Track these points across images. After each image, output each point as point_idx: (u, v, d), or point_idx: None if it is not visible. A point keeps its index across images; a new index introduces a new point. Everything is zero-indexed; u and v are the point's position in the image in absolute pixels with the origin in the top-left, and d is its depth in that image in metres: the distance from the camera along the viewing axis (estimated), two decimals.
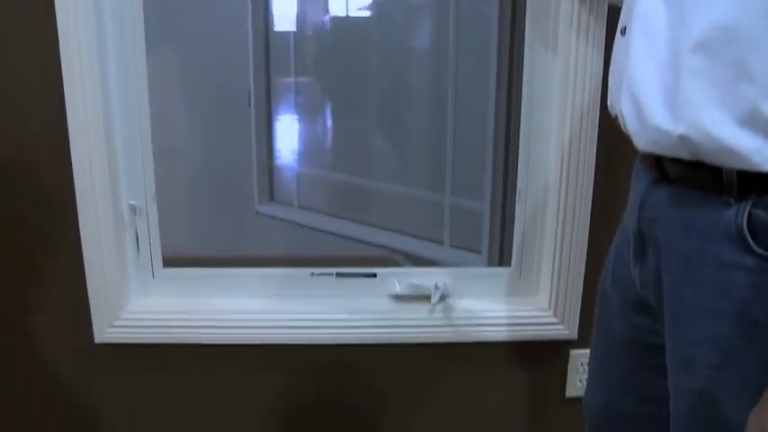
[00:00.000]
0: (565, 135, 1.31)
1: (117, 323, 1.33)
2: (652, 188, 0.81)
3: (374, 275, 1.43)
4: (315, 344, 1.38)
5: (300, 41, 1.68)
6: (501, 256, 1.51)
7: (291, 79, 1.68)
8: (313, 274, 1.41)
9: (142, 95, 1.28)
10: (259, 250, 1.74)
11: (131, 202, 1.32)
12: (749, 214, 0.67)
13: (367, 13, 1.66)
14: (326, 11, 1.71)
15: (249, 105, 1.68)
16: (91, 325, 1.32)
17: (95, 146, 1.22)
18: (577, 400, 1.47)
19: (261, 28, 1.65)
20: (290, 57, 1.66)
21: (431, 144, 1.58)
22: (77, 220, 1.26)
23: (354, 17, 1.68)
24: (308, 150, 1.73)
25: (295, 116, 1.71)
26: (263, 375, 1.42)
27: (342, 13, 1.70)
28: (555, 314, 1.41)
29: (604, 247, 1.35)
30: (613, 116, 0.86)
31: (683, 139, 0.69)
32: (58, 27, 1.17)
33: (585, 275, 1.39)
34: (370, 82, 1.65)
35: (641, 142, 0.76)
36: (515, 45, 1.37)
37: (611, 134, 1.32)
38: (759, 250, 0.67)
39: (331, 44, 1.70)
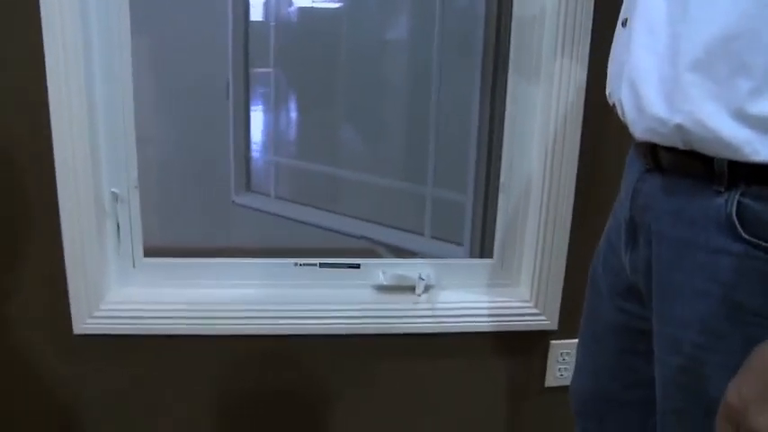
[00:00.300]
0: (549, 128, 1.36)
1: (97, 314, 1.32)
2: (645, 176, 0.85)
3: (358, 266, 1.47)
4: (299, 334, 1.40)
5: (277, 31, 1.70)
6: (482, 248, 1.57)
7: (270, 69, 1.71)
8: (297, 264, 1.44)
9: (126, 82, 1.29)
10: (236, 241, 1.77)
11: (113, 189, 1.34)
12: (738, 203, 0.72)
13: (347, 3, 1.70)
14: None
15: (227, 96, 1.70)
16: (70, 316, 1.33)
17: (78, 132, 1.21)
18: (557, 389, 1.54)
19: (241, 17, 1.68)
20: (270, 47, 1.69)
21: (412, 135, 1.62)
22: (58, 208, 1.26)
23: (333, 7, 1.72)
24: (286, 141, 1.76)
25: (273, 106, 1.74)
26: (247, 366, 1.43)
27: (320, 3, 1.74)
28: (536, 305, 1.46)
29: (586, 239, 1.42)
30: (611, 104, 0.90)
31: (678, 128, 0.74)
32: (42, 11, 1.16)
33: (566, 267, 1.45)
34: (350, 72, 1.68)
35: (638, 130, 0.81)
36: (501, 37, 1.42)
37: (594, 128, 1.37)
38: (746, 236, 0.72)
39: (309, 34, 1.73)
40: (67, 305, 1.32)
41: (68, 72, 1.19)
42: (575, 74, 1.33)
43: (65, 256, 1.29)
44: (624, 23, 0.86)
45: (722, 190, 0.74)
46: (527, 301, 1.47)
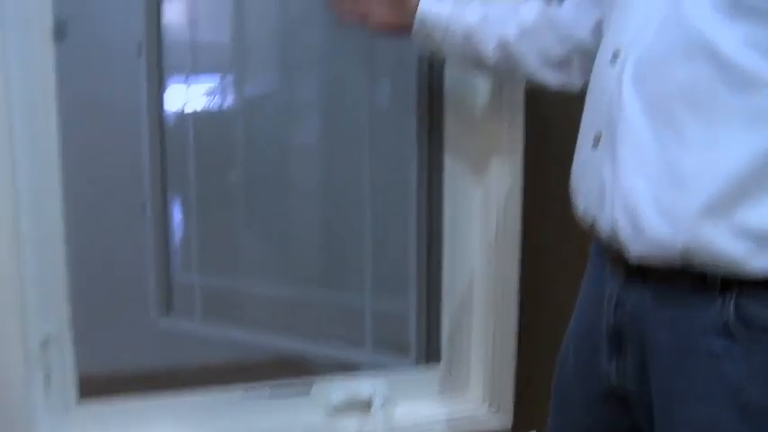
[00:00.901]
0: (489, 227, 1.43)
1: None
2: (627, 286, 0.89)
3: (306, 388, 1.45)
4: None
5: (195, 138, 1.67)
6: (428, 352, 1.59)
7: (191, 176, 1.67)
8: (246, 391, 1.40)
9: (56, 217, 1.24)
10: (161, 367, 1.68)
11: (43, 331, 1.25)
12: (734, 306, 0.78)
13: (271, 104, 1.70)
14: (219, 99, 1.73)
15: (144, 212, 1.65)
16: None
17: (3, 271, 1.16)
18: None
19: (157, 124, 1.65)
20: (190, 154, 1.66)
21: (346, 243, 1.64)
22: None
23: (257, 106, 1.71)
24: (210, 256, 1.72)
25: (195, 220, 1.70)
26: None
27: (239, 102, 1.74)
28: (490, 406, 1.48)
29: (533, 334, 1.49)
30: (588, 223, 0.94)
31: (682, 251, 0.78)
32: None
33: (516, 364, 1.48)
34: (272, 179, 1.68)
35: (636, 251, 0.83)
36: (433, 143, 1.49)
37: (534, 225, 1.44)
38: (746, 337, 0.78)
39: (227, 138, 1.73)
40: None
41: None
42: (511, 172, 1.41)
43: None
44: (597, 140, 0.90)
45: (716, 295, 0.79)
46: (479, 403, 1.49)
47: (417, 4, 1.20)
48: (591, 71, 1.00)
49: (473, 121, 1.43)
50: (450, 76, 1.42)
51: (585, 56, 1.13)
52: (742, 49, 0.76)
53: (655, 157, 0.81)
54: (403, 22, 1.22)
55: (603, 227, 0.88)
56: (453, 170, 1.45)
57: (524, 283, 1.46)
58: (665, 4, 0.83)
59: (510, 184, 1.42)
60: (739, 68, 0.76)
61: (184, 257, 1.70)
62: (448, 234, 1.47)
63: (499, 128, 1.41)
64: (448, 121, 1.44)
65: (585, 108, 0.98)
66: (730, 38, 0.77)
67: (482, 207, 1.44)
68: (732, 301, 0.79)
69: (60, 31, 1.85)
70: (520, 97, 1.40)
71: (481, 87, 1.41)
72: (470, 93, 1.42)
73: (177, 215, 1.71)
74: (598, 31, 1.08)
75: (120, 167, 1.74)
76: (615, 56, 0.88)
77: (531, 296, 1.48)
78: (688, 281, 0.81)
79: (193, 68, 1.70)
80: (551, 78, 1.20)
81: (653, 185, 0.81)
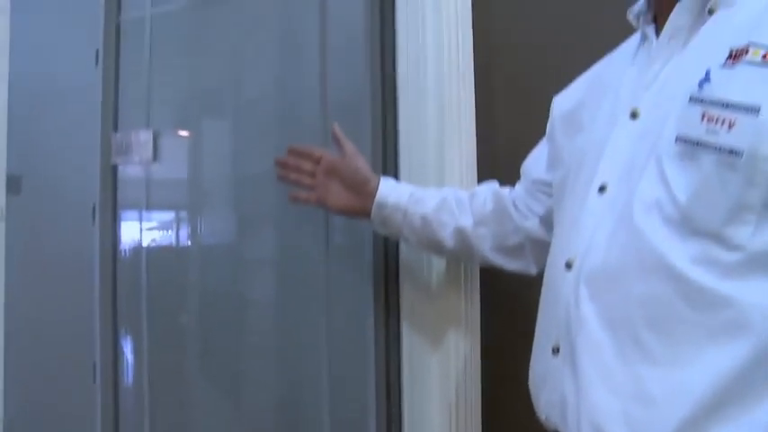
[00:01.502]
0: (449, 399, 1.40)
1: None
2: None
3: None
4: None
5: (147, 282, 1.65)
6: None
7: (143, 340, 1.66)
8: None
9: None
10: None
11: None
12: None
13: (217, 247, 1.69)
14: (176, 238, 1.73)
15: (94, 380, 1.63)
16: None
17: None
18: None
19: (109, 283, 1.63)
20: (142, 318, 1.65)
21: (303, 412, 1.61)
22: None
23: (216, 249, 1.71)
24: (161, 421, 1.69)
25: (146, 383, 1.67)
26: None
27: (191, 243, 1.73)
28: None
29: None
30: (551, 429, 0.92)
31: None
32: None
33: None
34: (227, 350, 1.65)
35: None
36: (390, 317, 1.49)
37: (494, 390, 1.43)
38: None
39: (184, 296, 1.72)
40: None
41: None
42: (469, 342, 1.41)
43: None
44: (556, 350, 0.89)
45: None
46: None
47: (376, 189, 1.24)
48: (544, 259, 1.01)
49: (429, 290, 1.43)
50: (406, 245, 1.44)
51: (537, 245, 1.17)
52: (696, 267, 0.76)
53: (619, 373, 0.80)
54: (362, 207, 1.26)
55: None
56: (411, 341, 1.45)
57: None
58: (614, 212, 0.85)
59: (468, 353, 1.42)
60: (696, 286, 0.76)
61: (134, 423, 1.66)
62: (408, 406, 1.46)
63: (456, 298, 1.41)
64: (404, 290, 1.45)
65: (541, 312, 0.99)
66: (683, 255, 0.77)
67: (441, 378, 1.42)
68: None
69: (15, 186, 1.87)
70: (476, 268, 1.42)
71: (436, 257, 1.43)
72: (426, 262, 1.43)
73: (128, 379, 1.68)
74: (548, 221, 1.11)
75: (69, 327, 1.72)
76: (569, 264, 0.89)
77: None
78: None
79: (147, 218, 1.71)
80: (507, 264, 1.23)
81: (620, 402, 0.79)
